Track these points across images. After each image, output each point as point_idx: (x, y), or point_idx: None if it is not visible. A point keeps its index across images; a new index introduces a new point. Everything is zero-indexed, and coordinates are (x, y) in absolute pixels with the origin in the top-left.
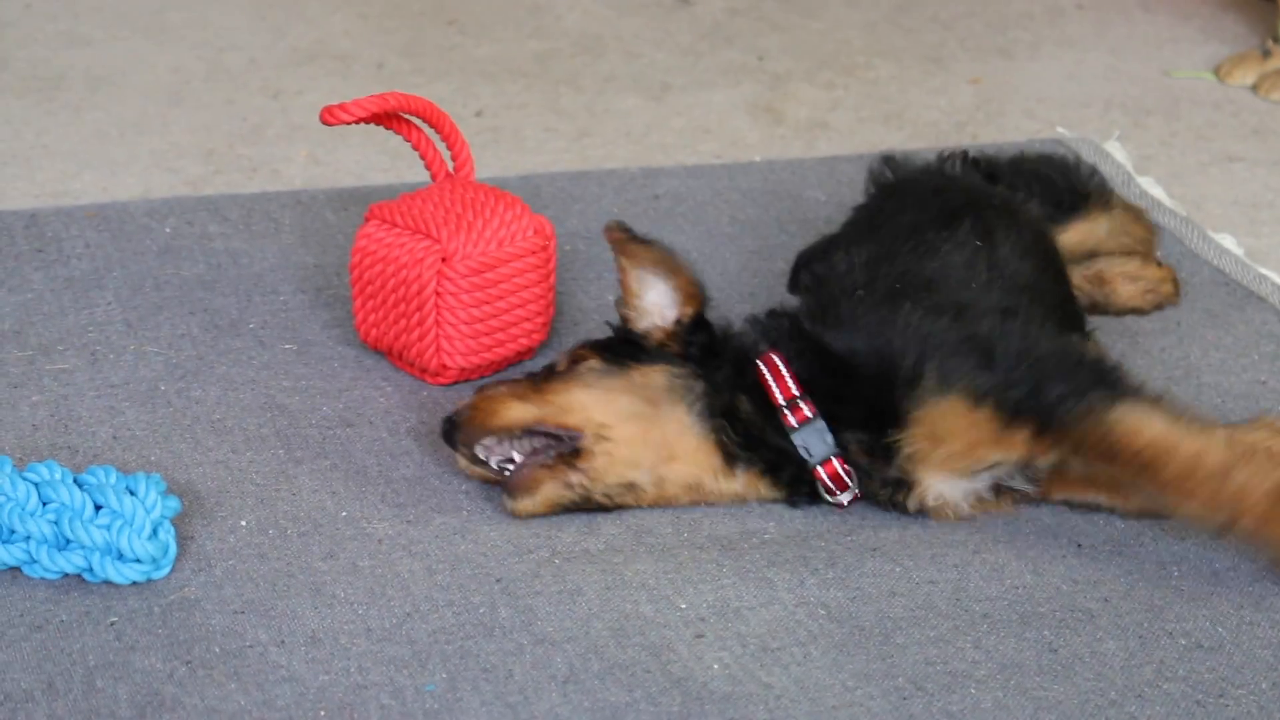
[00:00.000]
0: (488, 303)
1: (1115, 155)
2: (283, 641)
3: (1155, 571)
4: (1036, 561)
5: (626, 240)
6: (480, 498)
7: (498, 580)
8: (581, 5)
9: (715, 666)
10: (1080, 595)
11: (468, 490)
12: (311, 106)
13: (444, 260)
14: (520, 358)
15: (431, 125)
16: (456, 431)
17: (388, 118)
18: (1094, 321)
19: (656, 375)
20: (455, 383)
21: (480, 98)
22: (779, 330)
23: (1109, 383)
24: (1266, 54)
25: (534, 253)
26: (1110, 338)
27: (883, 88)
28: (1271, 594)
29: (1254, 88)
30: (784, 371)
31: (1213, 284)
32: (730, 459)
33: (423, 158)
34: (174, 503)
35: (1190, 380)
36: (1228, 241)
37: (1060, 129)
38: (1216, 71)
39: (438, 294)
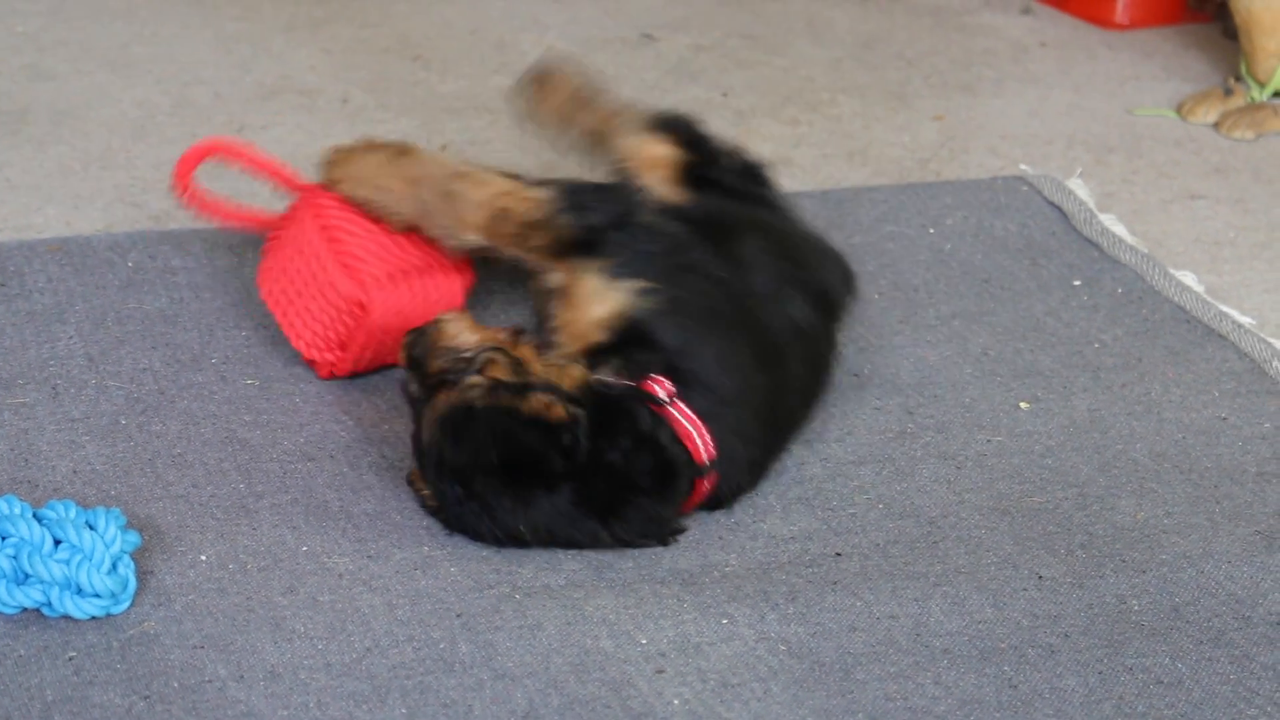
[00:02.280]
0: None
1: (1077, 193)
2: (242, 676)
3: (1115, 605)
4: (997, 595)
5: None
6: (441, 534)
7: (458, 615)
8: (547, 41)
9: (675, 702)
10: (1040, 630)
11: (429, 526)
12: (277, 141)
13: (318, 210)
14: (444, 296)
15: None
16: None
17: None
18: (1059, 352)
19: None
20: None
21: (445, 133)
22: None
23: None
24: (1228, 92)
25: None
26: (1071, 373)
27: (846, 124)
28: (1231, 629)
29: (1216, 126)
30: None
31: (1174, 321)
32: None
33: (272, 177)
34: (134, 537)
35: (1151, 416)
36: (1189, 279)
37: (1023, 166)
38: (1179, 109)
39: (322, 230)
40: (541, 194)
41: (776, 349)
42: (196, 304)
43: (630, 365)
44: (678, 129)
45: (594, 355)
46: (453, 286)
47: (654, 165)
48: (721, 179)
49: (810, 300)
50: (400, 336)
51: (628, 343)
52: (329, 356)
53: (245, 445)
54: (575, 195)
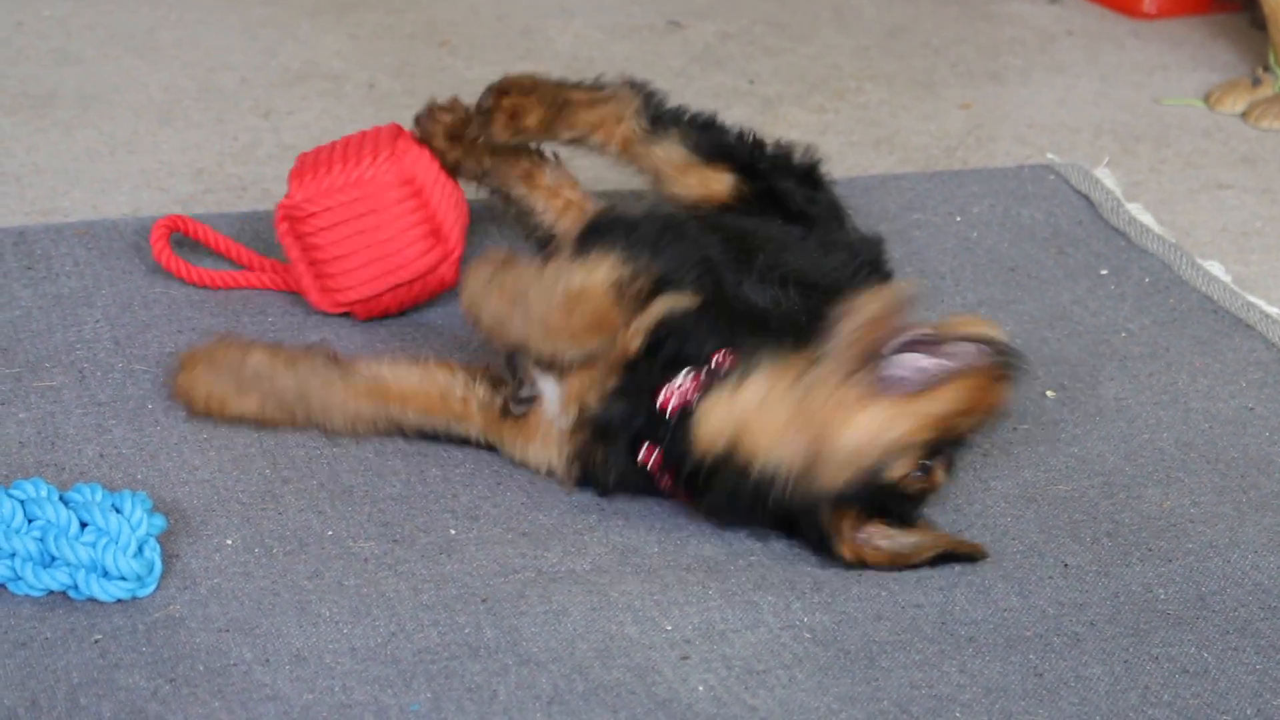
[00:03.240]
0: (344, 239)
1: (1104, 182)
2: (267, 660)
3: (1141, 594)
4: (1023, 583)
5: None
6: (467, 518)
7: (483, 600)
8: (573, 28)
9: (700, 689)
10: (1066, 619)
11: (454, 510)
12: (302, 126)
13: (292, 205)
14: (426, 284)
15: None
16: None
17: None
18: (1085, 341)
19: None
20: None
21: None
22: None
23: None
24: (1256, 82)
25: (388, 190)
26: (1097, 362)
27: (873, 112)
28: (1258, 619)
29: (1243, 116)
30: None
31: (1201, 311)
32: None
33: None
34: (160, 520)
35: (1178, 406)
36: (1216, 269)
37: (1050, 155)
38: (1206, 99)
39: (294, 238)
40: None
41: None
42: (223, 289)
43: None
44: (732, 153)
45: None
46: (444, 274)
47: (714, 199)
48: (783, 198)
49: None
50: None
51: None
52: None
53: (271, 430)
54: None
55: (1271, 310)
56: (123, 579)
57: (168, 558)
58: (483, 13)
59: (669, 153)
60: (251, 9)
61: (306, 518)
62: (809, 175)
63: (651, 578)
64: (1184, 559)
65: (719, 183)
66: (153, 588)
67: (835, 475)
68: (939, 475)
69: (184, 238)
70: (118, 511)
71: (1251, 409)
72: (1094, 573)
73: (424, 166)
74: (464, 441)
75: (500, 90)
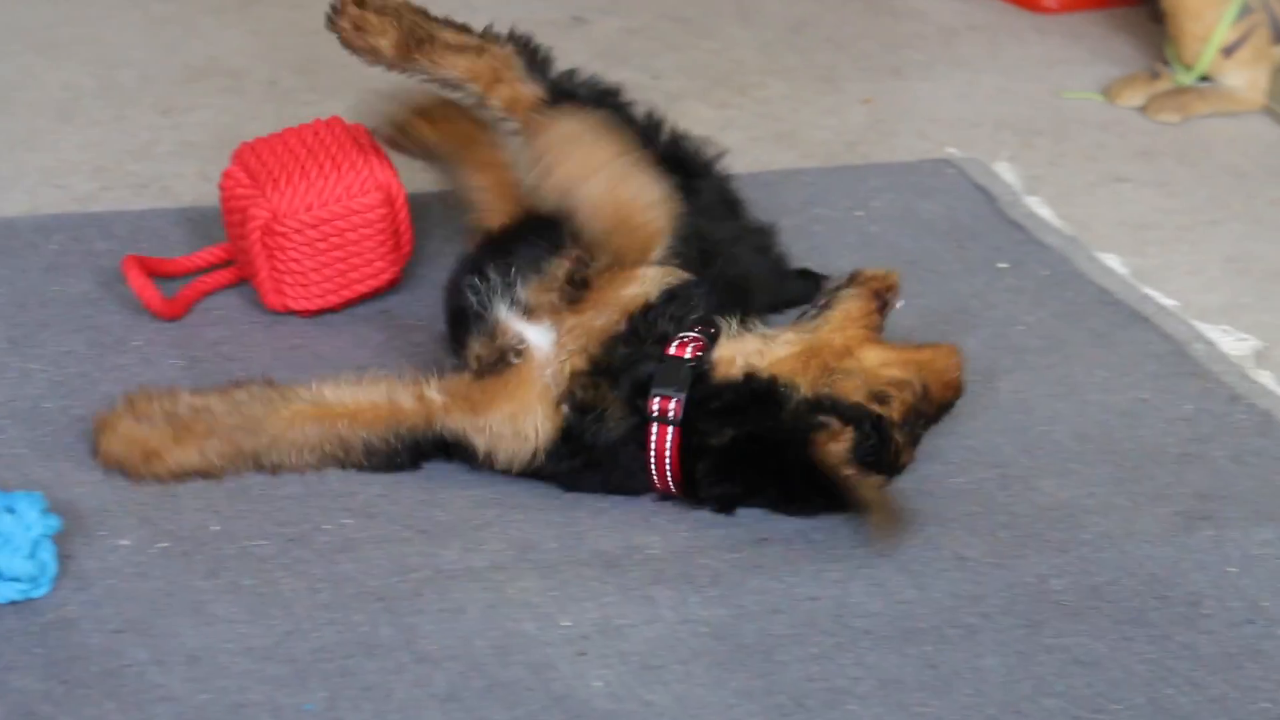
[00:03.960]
0: (318, 254)
1: (1004, 176)
2: (162, 661)
3: (1036, 585)
4: (919, 576)
5: None
6: (364, 516)
7: (380, 599)
8: (477, 24)
9: (597, 684)
10: (962, 610)
11: (351, 509)
12: (203, 124)
13: (270, 217)
14: (375, 291)
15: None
16: None
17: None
18: (984, 334)
19: None
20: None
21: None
22: None
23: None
24: (1155, 76)
25: (372, 209)
26: (995, 354)
27: (775, 107)
28: (1151, 609)
29: (1142, 109)
30: None
31: (1098, 304)
32: None
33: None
34: (54, 521)
35: (1074, 398)
36: (1113, 262)
37: (950, 149)
38: (1106, 93)
39: (264, 245)
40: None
41: None
42: (120, 287)
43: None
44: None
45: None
46: (391, 278)
47: None
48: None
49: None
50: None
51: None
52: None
53: None
54: None
55: (1167, 303)
56: (16, 580)
57: (62, 558)
58: None
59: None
60: (152, 5)
61: (203, 517)
62: (705, 166)
63: (549, 574)
64: (1079, 550)
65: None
66: (47, 589)
67: (852, 389)
68: (910, 453)
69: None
70: (11, 512)
71: (1146, 400)
72: (989, 564)
73: (391, 171)
74: (416, 452)
75: (356, 1)
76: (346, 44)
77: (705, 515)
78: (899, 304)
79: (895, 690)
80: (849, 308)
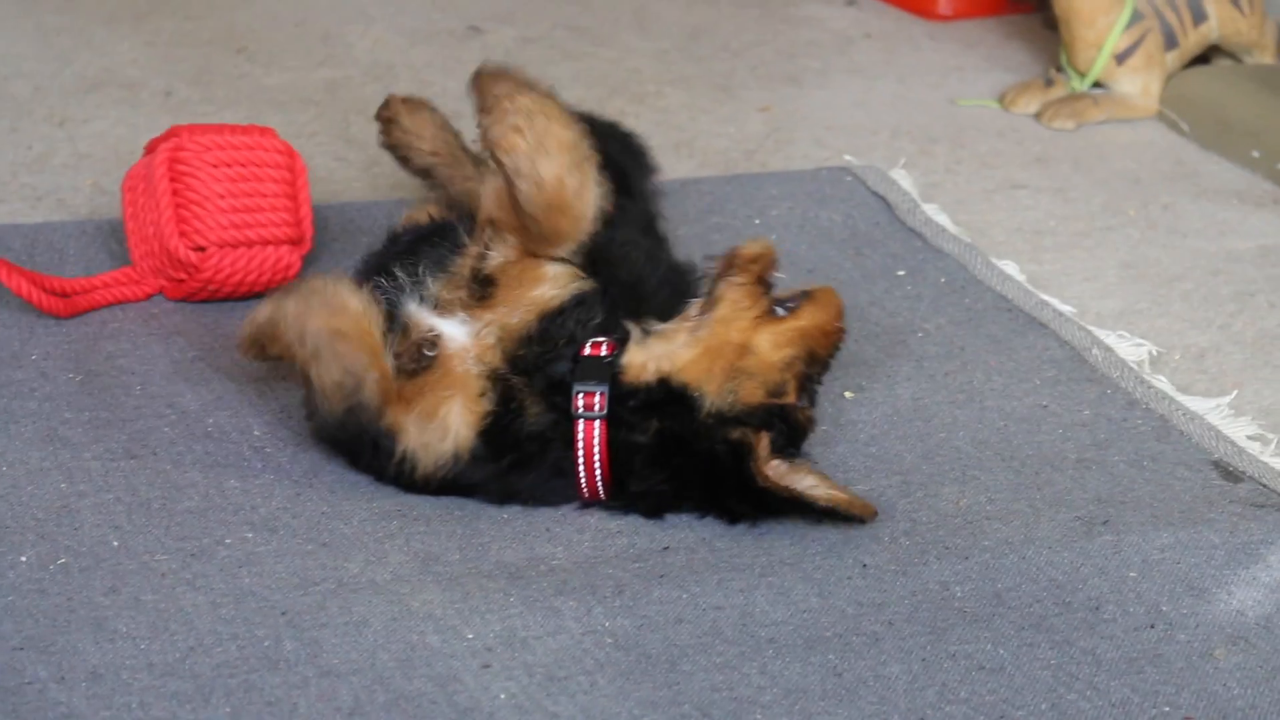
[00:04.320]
0: (221, 182)
1: (901, 183)
2: (63, 678)
3: (938, 592)
4: (822, 584)
5: None
6: (266, 530)
7: (283, 613)
8: (373, 34)
9: (502, 696)
10: (865, 618)
11: (253, 523)
12: (98, 135)
13: (176, 147)
14: (279, 262)
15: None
16: None
17: None
18: (883, 341)
19: None
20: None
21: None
22: None
23: None
24: (1049, 83)
25: (272, 155)
26: (895, 362)
27: (673, 116)
28: (1052, 614)
29: (1037, 116)
30: None
31: (996, 310)
32: None
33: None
34: None
35: (974, 405)
36: (1010, 268)
37: (847, 157)
38: (1001, 100)
39: (170, 177)
40: None
41: None
42: (15, 300)
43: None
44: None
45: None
46: (293, 259)
47: None
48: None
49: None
50: (233, 290)
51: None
52: (161, 282)
53: (66, 443)
54: None
55: (1064, 309)
56: None
57: None
58: (281, 19)
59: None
60: (45, 16)
61: (103, 532)
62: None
63: (453, 586)
64: (980, 556)
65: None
66: None
67: (752, 391)
68: (811, 411)
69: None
70: None
71: (1045, 406)
72: (892, 572)
73: (300, 164)
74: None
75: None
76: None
77: (609, 525)
78: (780, 277)
79: (800, 699)
80: (736, 297)
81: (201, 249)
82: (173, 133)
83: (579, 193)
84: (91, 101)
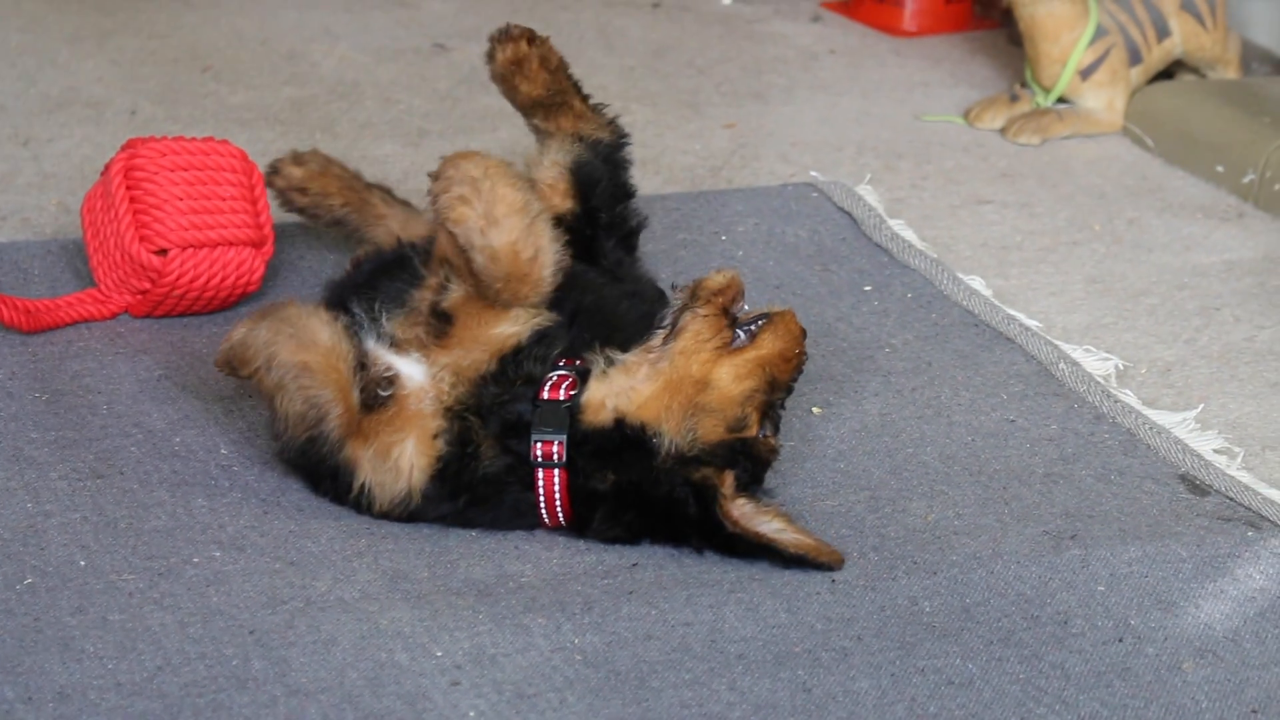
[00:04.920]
0: (177, 185)
1: (867, 199)
2: (30, 698)
3: (907, 607)
4: (791, 599)
5: None
6: (233, 549)
7: (251, 632)
8: (338, 52)
9: (471, 714)
10: (834, 633)
11: (220, 541)
12: (63, 154)
13: (130, 156)
14: (242, 265)
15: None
16: None
17: None
18: (850, 357)
19: None
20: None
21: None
22: None
23: None
24: (1014, 98)
25: (228, 159)
26: (862, 377)
27: (639, 133)
28: (1021, 629)
29: (1002, 131)
30: None
31: (963, 325)
32: None
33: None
34: None
35: (941, 420)
36: (977, 283)
37: (813, 173)
38: (966, 115)
39: (126, 185)
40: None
41: None
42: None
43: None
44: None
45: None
46: (255, 261)
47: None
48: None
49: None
50: (198, 296)
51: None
52: (126, 299)
53: (32, 463)
54: None
55: (1030, 323)
56: None
57: None
58: (246, 37)
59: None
60: (9, 35)
61: (70, 552)
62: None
63: (421, 603)
64: (949, 571)
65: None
66: None
67: (712, 429)
68: (775, 439)
69: None
70: None
71: (1013, 421)
72: (861, 587)
73: (258, 173)
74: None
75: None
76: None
77: (577, 543)
78: (744, 306)
79: (770, 715)
80: (698, 329)
81: (163, 251)
82: (128, 144)
83: (534, 259)
84: (56, 120)
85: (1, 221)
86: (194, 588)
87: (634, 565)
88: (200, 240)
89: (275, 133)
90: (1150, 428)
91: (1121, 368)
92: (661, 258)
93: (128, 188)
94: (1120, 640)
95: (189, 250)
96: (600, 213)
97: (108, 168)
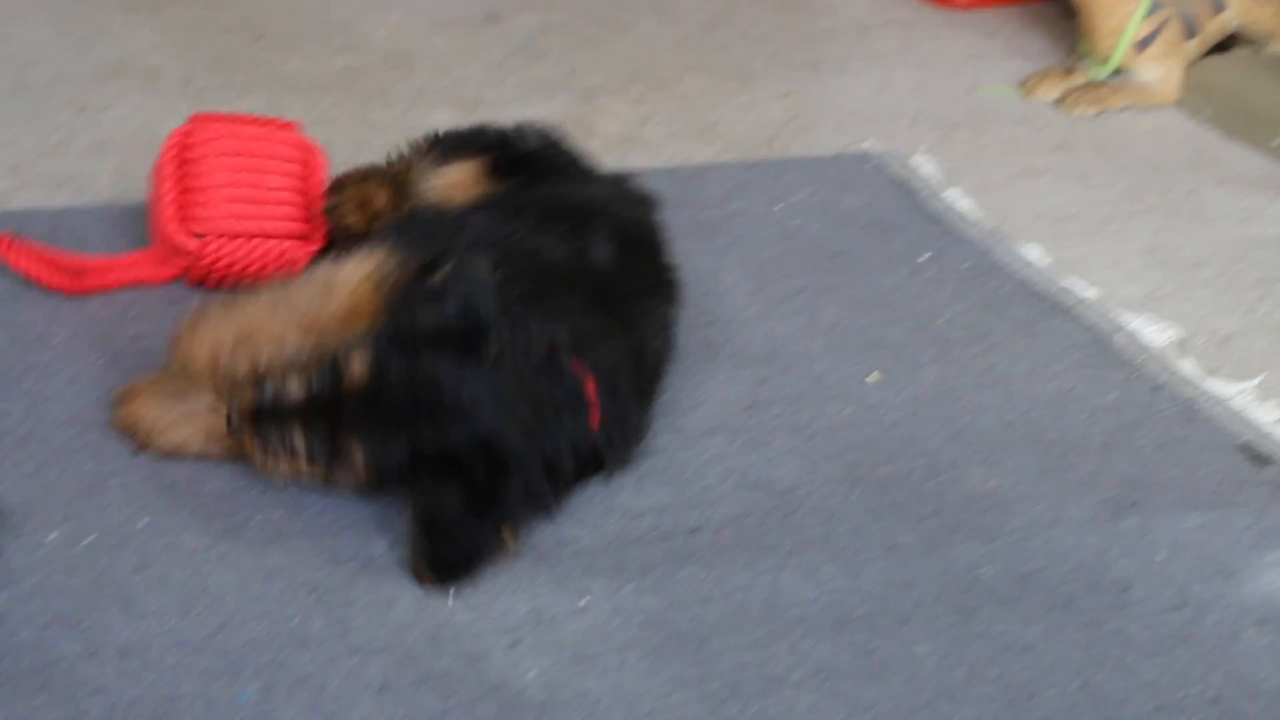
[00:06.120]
0: (227, 170)
1: (923, 169)
2: (93, 654)
3: (966, 573)
4: (850, 564)
5: None
6: (293, 509)
7: (311, 590)
8: (391, 22)
9: (531, 674)
10: (893, 599)
11: (281, 502)
12: (119, 121)
13: (186, 134)
14: (282, 256)
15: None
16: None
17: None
18: (907, 326)
19: None
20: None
21: (290, 112)
22: None
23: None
24: (1070, 70)
25: (286, 149)
26: (919, 345)
27: (693, 102)
28: (1080, 595)
29: (1057, 103)
30: None
31: (1020, 295)
32: None
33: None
34: None
35: (999, 387)
36: (1034, 253)
37: (869, 142)
38: (1021, 87)
39: (176, 164)
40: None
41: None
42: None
43: None
44: (463, 145)
45: None
46: (295, 253)
47: (456, 187)
48: (528, 163)
49: (612, 240)
50: (237, 278)
51: None
52: (177, 267)
53: (92, 424)
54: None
55: (1088, 293)
56: None
57: None
58: (299, 6)
59: (421, 164)
60: (63, 5)
61: (131, 511)
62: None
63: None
64: (1007, 538)
65: (458, 171)
66: None
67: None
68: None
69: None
70: None
71: (1071, 390)
72: (920, 553)
73: (317, 161)
74: None
75: (335, 187)
76: (355, 228)
77: (634, 505)
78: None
79: (830, 678)
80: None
81: (201, 236)
82: (192, 119)
83: None
84: (111, 88)
85: (58, 188)
86: (254, 547)
87: (694, 530)
88: (239, 230)
89: (328, 101)
90: (1209, 398)
91: (1180, 338)
92: (717, 226)
93: (176, 165)
94: (1181, 608)
95: (225, 239)
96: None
97: (168, 140)
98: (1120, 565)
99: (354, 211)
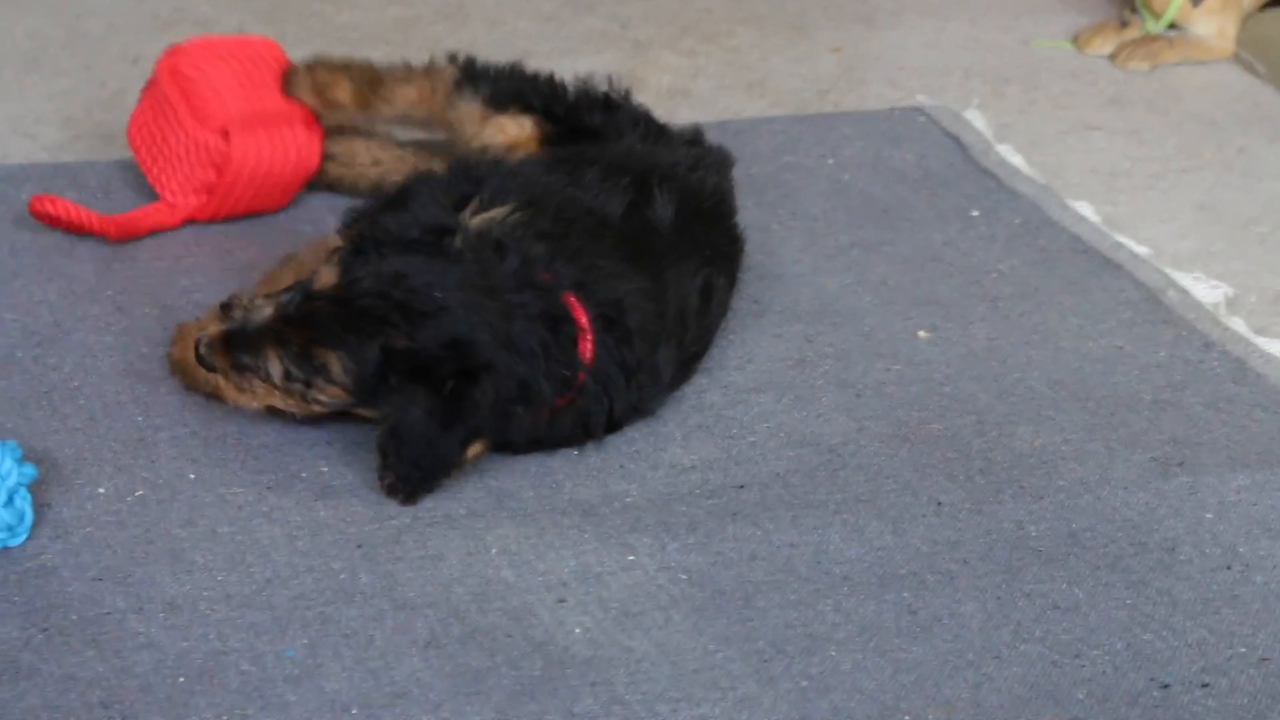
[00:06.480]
0: (223, 65)
1: (974, 124)
2: (141, 608)
3: (1013, 531)
4: (897, 521)
5: None
6: (340, 464)
7: (358, 546)
8: None
9: (577, 631)
10: (940, 556)
11: (328, 457)
12: None
13: (172, 55)
14: (302, 149)
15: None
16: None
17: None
18: (957, 282)
19: None
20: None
21: None
22: None
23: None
24: (1124, 24)
25: (272, 52)
26: (969, 302)
27: (744, 55)
28: (1128, 555)
29: (1111, 57)
30: None
31: (1071, 251)
32: None
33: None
34: (30, 470)
35: (1048, 345)
36: (1085, 209)
37: (920, 97)
38: (1075, 41)
39: (175, 83)
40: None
41: (642, 250)
42: (91, 236)
43: None
44: (523, 96)
45: None
46: (311, 140)
47: (517, 146)
48: (583, 124)
49: (674, 199)
50: (263, 181)
51: None
52: (194, 200)
53: (143, 377)
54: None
55: (1140, 250)
56: None
57: (39, 507)
58: None
59: (469, 107)
60: None
61: (179, 465)
62: (606, 102)
63: (527, 522)
64: (1055, 496)
65: (518, 126)
66: (24, 537)
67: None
68: None
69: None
70: None
71: (1121, 348)
72: (967, 510)
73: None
74: None
75: (308, 67)
76: (314, 107)
77: (682, 461)
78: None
79: (875, 636)
80: None
81: (225, 133)
82: (166, 51)
83: None
84: (165, 39)
85: (111, 139)
86: (302, 502)
87: (740, 487)
88: (257, 115)
89: (381, 52)
90: (1260, 356)
91: (1231, 295)
92: (767, 180)
93: (178, 84)
94: (1228, 568)
95: (248, 132)
96: (549, 100)
97: (150, 82)
98: (1168, 524)
99: (307, 92)
